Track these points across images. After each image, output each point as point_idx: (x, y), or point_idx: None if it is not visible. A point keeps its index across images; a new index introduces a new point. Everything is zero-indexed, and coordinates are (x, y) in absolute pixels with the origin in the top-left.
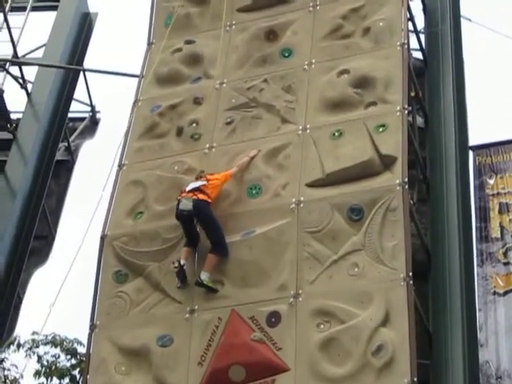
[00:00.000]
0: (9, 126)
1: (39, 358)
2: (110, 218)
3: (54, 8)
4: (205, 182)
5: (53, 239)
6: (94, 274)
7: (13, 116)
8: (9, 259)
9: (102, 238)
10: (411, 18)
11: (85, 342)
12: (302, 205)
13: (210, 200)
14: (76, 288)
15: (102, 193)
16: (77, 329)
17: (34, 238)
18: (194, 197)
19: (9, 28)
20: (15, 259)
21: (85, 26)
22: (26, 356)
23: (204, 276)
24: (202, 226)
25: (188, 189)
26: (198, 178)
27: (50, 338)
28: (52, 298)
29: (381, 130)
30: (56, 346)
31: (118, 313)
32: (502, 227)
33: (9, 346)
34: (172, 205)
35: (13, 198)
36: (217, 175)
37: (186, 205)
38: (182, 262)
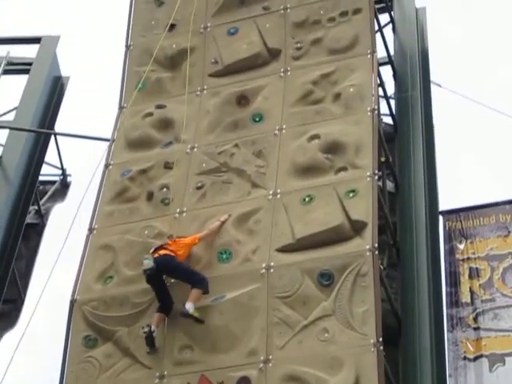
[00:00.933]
0: None
1: None
2: (79, 282)
3: (26, 71)
4: (167, 241)
5: (22, 303)
6: (64, 338)
7: None
8: None
9: (72, 302)
10: (381, 84)
11: None
12: (272, 270)
13: (173, 254)
14: (45, 353)
15: (61, 251)
16: None
17: (3, 302)
18: (156, 255)
19: None
20: None
21: (56, 90)
22: None
23: (189, 306)
24: (174, 277)
25: (151, 251)
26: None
27: None
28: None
29: (351, 195)
30: None
31: (87, 378)
32: (472, 292)
33: None
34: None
35: None
36: (184, 238)
37: (147, 264)
38: (153, 328)
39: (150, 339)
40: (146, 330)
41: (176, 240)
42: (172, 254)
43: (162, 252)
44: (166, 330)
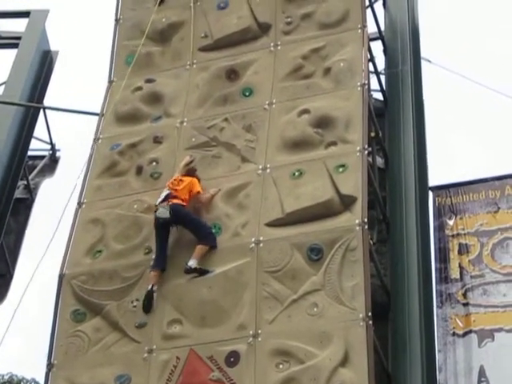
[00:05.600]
0: None
1: None
2: (68, 256)
3: (15, 46)
4: (171, 191)
5: (11, 278)
6: (52, 312)
7: None
8: None
9: (60, 277)
10: (372, 59)
11: (42, 382)
12: (261, 244)
13: (184, 203)
14: (34, 327)
15: (55, 231)
16: (34, 369)
17: None
18: (170, 203)
19: None
20: None
21: (45, 64)
22: None
23: (192, 262)
24: (185, 227)
25: (159, 200)
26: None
27: (6, 377)
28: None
29: (341, 170)
30: None
31: (76, 352)
32: (461, 268)
33: None
34: (131, 243)
35: None
36: (184, 184)
37: (163, 213)
38: (154, 288)
39: (148, 299)
40: (136, 303)
41: (178, 184)
42: (184, 203)
43: (175, 201)
44: (154, 304)
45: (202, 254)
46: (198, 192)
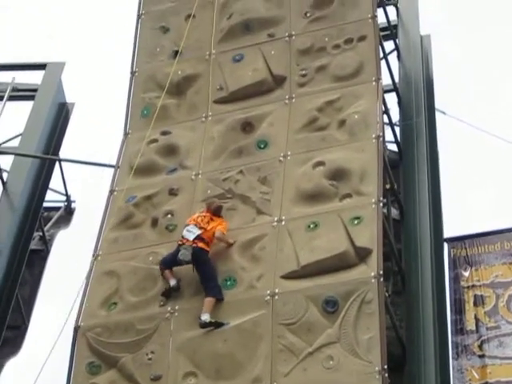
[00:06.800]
0: None
1: None
2: (83, 308)
3: (31, 98)
4: (202, 231)
5: (26, 329)
6: (67, 365)
7: None
8: None
9: (76, 329)
10: (386, 111)
11: None
12: (276, 297)
13: (208, 249)
14: (49, 379)
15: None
16: None
17: (7, 328)
18: (194, 244)
19: None
20: None
21: (61, 116)
22: None
23: (205, 316)
24: (199, 271)
25: (190, 238)
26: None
27: None
28: None
29: (356, 222)
30: None
31: None
32: (477, 319)
33: None
34: (146, 296)
35: None
36: (213, 224)
37: (186, 255)
38: (173, 283)
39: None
40: (151, 356)
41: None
42: (207, 248)
43: (201, 245)
44: (170, 357)
45: (211, 306)
46: (223, 233)
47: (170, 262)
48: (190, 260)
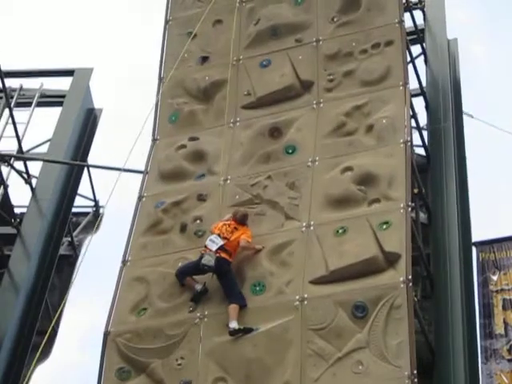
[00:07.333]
0: (13, 220)
1: None
2: (113, 314)
3: (60, 104)
4: (225, 241)
5: (55, 335)
6: (97, 371)
7: (17, 210)
8: (11, 355)
9: (105, 335)
10: (414, 115)
11: None
12: (305, 302)
13: (231, 259)
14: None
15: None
16: None
17: (37, 334)
18: (217, 254)
19: (14, 123)
20: (17, 355)
21: (89, 122)
22: None
23: (233, 324)
24: (221, 281)
25: (212, 248)
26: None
27: None
28: None
29: (384, 227)
30: None
31: None
32: (505, 323)
33: None
34: (175, 302)
35: (16, 293)
36: (236, 234)
37: (209, 261)
38: (200, 287)
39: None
40: (180, 362)
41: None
42: (230, 259)
43: (224, 255)
44: (199, 363)
45: (236, 313)
46: (248, 241)
47: (190, 270)
48: (213, 266)
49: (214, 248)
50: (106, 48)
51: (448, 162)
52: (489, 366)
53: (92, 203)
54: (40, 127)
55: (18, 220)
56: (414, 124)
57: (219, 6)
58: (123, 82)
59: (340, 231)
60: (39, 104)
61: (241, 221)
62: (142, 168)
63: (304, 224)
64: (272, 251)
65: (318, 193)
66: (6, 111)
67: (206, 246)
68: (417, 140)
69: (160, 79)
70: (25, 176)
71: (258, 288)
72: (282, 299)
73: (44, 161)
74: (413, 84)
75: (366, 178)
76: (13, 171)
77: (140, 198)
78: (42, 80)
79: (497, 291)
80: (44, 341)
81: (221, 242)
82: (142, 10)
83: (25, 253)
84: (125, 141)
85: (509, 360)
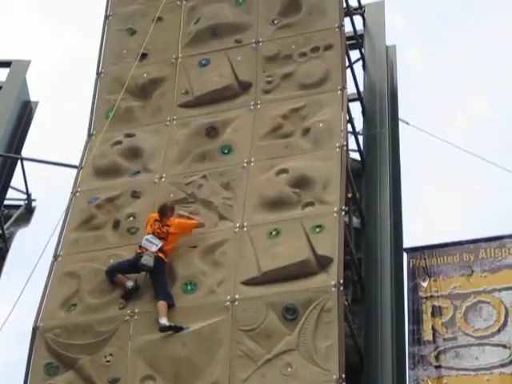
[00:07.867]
0: None
1: None
2: (43, 309)
3: None
4: (163, 242)
5: None
6: (25, 365)
7: None
8: None
9: (34, 330)
10: (350, 120)
11: None
12: (236, 302)
13: (166, 259)
14: (6, 379)
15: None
16: None
17: None
18: (156, 254)
19: None
20: None
21: (25, 115)
22: None
23: (163, 320)
24: (152, 278)
25: (152, 249)
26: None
27: None
28: None
29: (317, 230)
30: None
31: None
32: (434, 330)
33: None
34: (106, 298)
35: None
36: (174, 228)
37: (149, 261)
38: (131, 284)
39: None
40: (109, 358)
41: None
42: (166, 259)
43: (161, 255)
44: (128, 360)
45: (166, 309)
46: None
47: (124, 268)
48: (152, 267)
49: (154, 249)
50: (44, 40)
51: (382, 167)
52: (416, 371)
53: (24, 196)
54: None
55: None
56: (350, 129)
57: (160, 3)
58: (61, 75)
59: (273, 233)
60: None
61: (162, 214)
62: (76, 163)
63: (237, 225)
64: (205, 251)
65: (253, 194)
66: None
67: (140, 247)
68: (352, 145)
69: (98, 74)
70: None
71: (189, 287)
72: (213, 299)
73: None
74: (350, 89)
75: (300, 180)
76: None
77: (74, 192)
78: None
79: (426, 298)
80: None
81: (160, 244)
82: (83, 4)
83: None
84: (60, 134)
85: (436, 367)
